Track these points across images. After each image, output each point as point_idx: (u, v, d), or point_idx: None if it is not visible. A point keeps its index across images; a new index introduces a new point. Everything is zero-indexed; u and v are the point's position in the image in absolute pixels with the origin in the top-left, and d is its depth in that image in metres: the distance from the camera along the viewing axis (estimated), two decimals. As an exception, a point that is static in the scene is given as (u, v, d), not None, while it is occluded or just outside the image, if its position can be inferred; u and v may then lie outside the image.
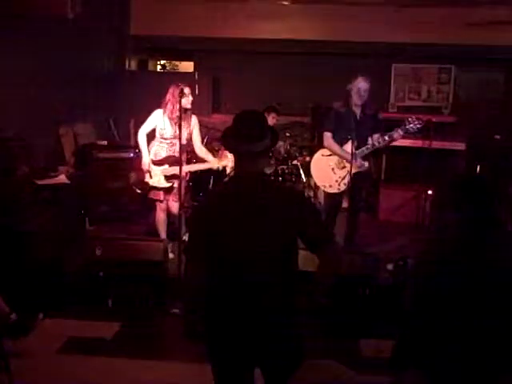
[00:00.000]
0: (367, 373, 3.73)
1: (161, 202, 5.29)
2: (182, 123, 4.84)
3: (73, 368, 3.76)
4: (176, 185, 5.15)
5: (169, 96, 5.07)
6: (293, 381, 1.99)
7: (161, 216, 5.36)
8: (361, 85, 5.10)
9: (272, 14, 8.35)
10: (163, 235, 5.34)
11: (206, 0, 8.26)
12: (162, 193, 5.26)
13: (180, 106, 4.78)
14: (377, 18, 8.06)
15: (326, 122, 5.40)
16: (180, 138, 4.85)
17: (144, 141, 5.14)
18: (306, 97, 7.71)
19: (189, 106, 5.08)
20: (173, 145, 5.13)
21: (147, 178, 5.19)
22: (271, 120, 6.62)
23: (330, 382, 2.47)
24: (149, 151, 5.17)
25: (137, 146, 5.35)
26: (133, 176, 5.33)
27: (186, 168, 5.16)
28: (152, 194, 5.30)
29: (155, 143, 5.20)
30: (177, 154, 5.02)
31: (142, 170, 5.19)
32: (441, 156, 6.94)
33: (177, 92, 4.94)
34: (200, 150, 5.27)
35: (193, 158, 5.55)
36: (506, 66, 8.45)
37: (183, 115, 4.87)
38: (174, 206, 5.24)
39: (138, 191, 5.33)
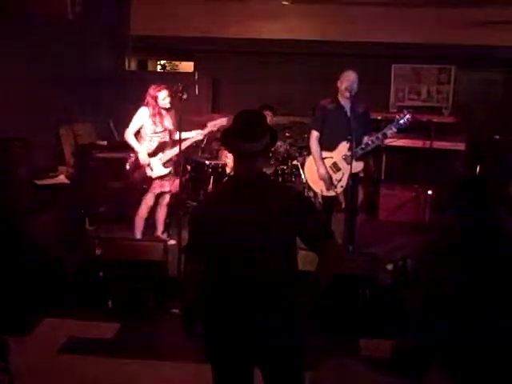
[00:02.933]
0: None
1: (165, 193, 5.46)
2: (167, 119, 5.28)
3: (73, 368, 3.76)
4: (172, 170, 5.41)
5: (148, 97, 5.27)
6: (315, 377, 2.00)
7: (144, 212, 5.47)
8: (348, 74, 5.04)
9: (272, 14, 8.35)
10: (139, 234, 5.46)
11: (206, 0, 8.27)
12: (165, 183, 5.42)
13: (178, 103, 4.96)
14: (377, 18, 8.06)
15: (313, 120, 5.32)
16: (180, 137, 4.89)
17: (134, 139, 5.31)
18: (306, 97, 7.70)
19: (168, 106, 5.28)
20: (163, 137, 5.35)
21: (149, 172, 5.34)
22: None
23: (351, 378, 2.47)
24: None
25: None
26: (135, 175, 5.37)
27: (174, 150, 5.29)
28: (158, 187, 5.40)
29: (145, 140, 5.32)
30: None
31: (140, 167, 5.31)
32: (441, 156, 6.93)
33: (155, 95, 5.22)
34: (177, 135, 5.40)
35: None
36: (506, 66, 8.45)
37: (166, 112, 5.28)
38: (168, 196, 5.52)
39: (144, 186, 5.41)
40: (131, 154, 5.39)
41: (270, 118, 6.81)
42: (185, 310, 2.56)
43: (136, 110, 5.33)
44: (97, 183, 6.48)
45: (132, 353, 3.96)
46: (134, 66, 9.47)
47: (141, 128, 5.30)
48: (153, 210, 5.58)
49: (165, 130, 5.32)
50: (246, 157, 2.39)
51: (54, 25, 6.22)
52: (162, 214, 5.60)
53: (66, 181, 6.03)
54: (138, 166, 5.34)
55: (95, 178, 6.49)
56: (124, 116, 7.61)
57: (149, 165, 5.30)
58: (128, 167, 5.43)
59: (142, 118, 5.27)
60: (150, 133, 5.29)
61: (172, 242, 5.37)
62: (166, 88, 5.25)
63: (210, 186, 6.44)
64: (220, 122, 5.38)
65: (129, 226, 5.64)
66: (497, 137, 7.25)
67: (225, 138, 2.47)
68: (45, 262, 4.66)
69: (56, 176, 6.05)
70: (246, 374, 2.48)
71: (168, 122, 5.34)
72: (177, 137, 5.32)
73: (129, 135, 5.29)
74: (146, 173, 5.34)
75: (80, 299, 4.57)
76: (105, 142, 7.09)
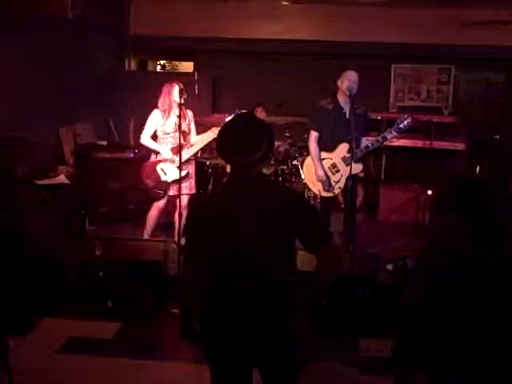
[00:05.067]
0: (367, 373, 3.75)
1: (183, 194, 5.31)
2: (183, 117, 5.13)
3: (73, 368, 3.76)
4: (190, 170, 5.42)
5: (163, 94, 5.25)
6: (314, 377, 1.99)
7: (154, 214, 5.45)
8: (350, 73, 5.00)
9: (272, 14, 8.35)
10: (146, 236, 5.43)
11: (206, 0, 8.27)
12: (183, 186, 5.26)
13: (180, 105, 4.98)
14: (377, 18, 8.06)
15: (312, 120, 5.26)
16: (180, 132, 4.89)
17: (151, 141, 5.29)
18: (306, 97, 7.70)
19: (182, 101, 5.15)
20: (175, 137, 5.25)
21: (163, 177, 5.29)
22: (259, 114, 6.64)
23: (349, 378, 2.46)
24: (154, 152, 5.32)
25: (136, 146, 5.38)
26: (148, 182, 5.31)
27: (190, 151, 5.33)
28: (174, 191, 5.33)
29: (158, 142, 5.31)
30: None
31: (154, 173, 5.25)
32: (441, 156, 6.94)
33: (170, 89, 5.19)
34: (194, 138, 5.47)
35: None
36: (506, 66, 8.46)
37: (180, 111, 5.11)
38: (185, 200, 5.38)
39: (160, 192, 5.34)
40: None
41: (264, 114, 6.83)
42: (184, 310, 2.55)
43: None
44: (97, 183, 6.48)
45: (132, 353, 3.96)
46: (133, 65, 9.47)
47: (155, 132, 5.29)
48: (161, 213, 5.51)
49: (175, 130, 5.21)
50: (244, 167, 2.37)
51: (54, 25, 6.22)
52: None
53: (66, 181, 6.03)
54: (153, 172, 5.28)
55: (95, 177, 6.49)
56: (124, 116, 7.66)
57: (172, 160, 5.26)
58: (144, 174, 5.34)
59: (155, 120, 5.26)
60: (161, 134, 5.28)
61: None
62: (178, 84, 5.21)
63: (210, 186, 6.44)
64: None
65: (129, 226, 5.64)
66: (497, 137, 7.25)
67: (221, 151, 2.41)
68: (45, 262, 4.66)
69: (56, 176, 6.05)
70: (245, 375, 2.47)
71: (182, 123, 5.16)
72: (192, 139, 5.39)
73: (145, 139, 5.26)
74: (159, 178, 5.28)
75: (80, 299, 4.57)
76: (105, 142, 7.09)
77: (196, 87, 7.31)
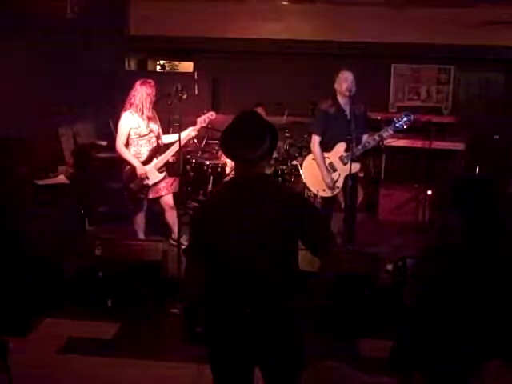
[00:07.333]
0: (367, 373, 3.75)
1: (161, 196, 5.35)
2: (153, 118, 5.18)
3: (73, 368, 3.76)
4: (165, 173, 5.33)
5: (136, 95, 5.09)
6: (301, 381, 2.00)
7: (140, 218, 5.44)
8: (346, 74, 4.98)
9: (272, 14, 8.36)
10: (142, 235, 5.43)
11: (206, 0, 8.27)
12: (160, 187, 5.32)
13: (178, 103, 4.87)
14: (377, 18, 8.06)
15: (315, 124, 5.26)
16: (180, 137, 4.87)
17: (127, 152, 5.14)
18: (306, 97, 7.71)
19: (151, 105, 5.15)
20: (150, 139, 5.20)
21: (145, 181, 5.23)
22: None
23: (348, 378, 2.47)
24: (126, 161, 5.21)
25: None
26: (132, 186, 5.27)
27: (169, 152, 5.26)
28: (153, 194, 5.32)
29: (131, 144, 5.17)
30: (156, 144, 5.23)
31: (136, 177, 5.18)
32: (441, 156, 6.94)
33: (144, 90, 5.07)
34: (167, 138, 5.39)
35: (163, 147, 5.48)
36: (506, 65, 8.46)
37: (151, 113, 5.13)
38: (170, 199, 5.38)
39: (141, 195, 5.32)
40: (127, 166, 5.23)
41: (263, 115, 6.83)
42: (185, 310, 2.56)
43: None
44: (97, 183, 6.48)
45: (132, 353, 3.96)
46: (133, 65, 9.48)
47: (129, 136, 5.12)
48: (155, 214, 5.50)
49: (150, 132, 5.16)
50: (247, 164, 2.37)
51: (54, 25, 6.22)
52: (171, 217, 5.42)
53: (66, 181, 6.04)
54: (133, 176, 5.19)
55: (95, 177, 6.49)
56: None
57: (146, 174, 5.16)
58: (124, 179, 5.26)
59: (127, 124, 5.08)
60: (135, 137, 5.12)
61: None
62: (153, 84, 5.13)
63: (210, 186, 6.44)
64: (208, 116, 5.27)
65: (129, 225, 5.63)
66: (496, 137, 7.26)
67: (224, 147, 2.43)
68: (45, 262, 4.66)
69: (56, 176, 6.05)
70: (247, 374, 2.48)
71: (154, 124, 5.21)
72: (165, 140, 5.33)
73: (120, 148, 5.10)
74: (142, 182, 5.21)
75: (80, 299, 4.57)
76: (105, 142, 7.09)
77: (196, 87, 7.31)
